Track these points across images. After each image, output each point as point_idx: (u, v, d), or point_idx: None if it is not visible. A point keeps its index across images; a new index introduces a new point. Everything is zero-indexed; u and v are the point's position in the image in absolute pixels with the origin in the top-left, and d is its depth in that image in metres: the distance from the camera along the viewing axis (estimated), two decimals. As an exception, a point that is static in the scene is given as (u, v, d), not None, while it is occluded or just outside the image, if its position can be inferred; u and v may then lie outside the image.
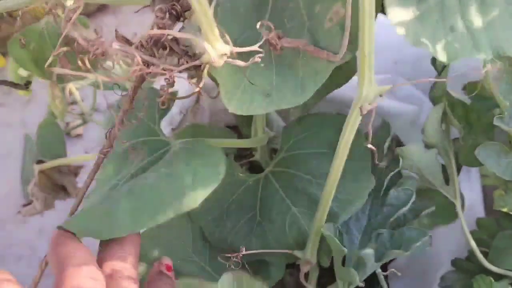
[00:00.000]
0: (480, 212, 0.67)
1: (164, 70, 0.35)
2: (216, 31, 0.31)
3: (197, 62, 0.33)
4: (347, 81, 0.54)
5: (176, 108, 0.75)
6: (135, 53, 0.31)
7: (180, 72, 0.35)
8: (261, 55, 0.33)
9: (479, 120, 0.56)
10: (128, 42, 0.41)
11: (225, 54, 0.32)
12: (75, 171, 0.68)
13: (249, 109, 0.36)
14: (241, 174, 0.51)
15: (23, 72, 0.67)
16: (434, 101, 0.55)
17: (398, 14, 0.36)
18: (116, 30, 0.42)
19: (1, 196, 1.38)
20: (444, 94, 0.52)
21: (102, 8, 1.48)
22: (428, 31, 0.37)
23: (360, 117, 0.39)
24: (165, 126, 0.73)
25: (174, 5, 0.38)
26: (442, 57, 0.37)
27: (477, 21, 0.37)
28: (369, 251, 0.40)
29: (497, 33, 0.37)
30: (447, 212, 0.57)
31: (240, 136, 0.71)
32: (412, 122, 0.73)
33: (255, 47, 0.33)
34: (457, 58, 0.37)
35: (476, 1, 0.39)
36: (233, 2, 0.38)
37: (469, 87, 0.56)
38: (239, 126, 0.73)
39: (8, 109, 1.49)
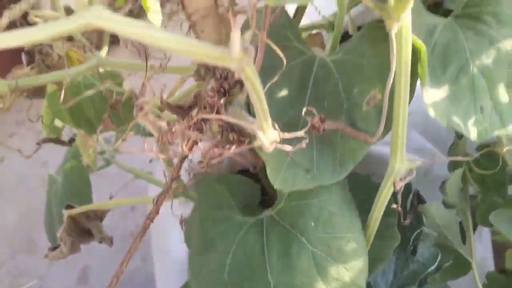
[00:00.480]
0: (490, 266, 0.70)
1: (216, 147, 0.38)
2: (269, 121, 0.34)
3: (249, 146, 0.36)
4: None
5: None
6: (197, 137, 0.34)
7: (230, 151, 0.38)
8: (306, 141, 0.36)
9: (493, 180, 0.59)
10: (170, 106, 0.44)
11: (275, 141, 0.35)
12: (101, 215, 0.71)
13: (293, 185, 0.39)
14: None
15: (57, 123, 0.70)
16: (454, 163, 0.59)
17: (432, 95, 0.39)
18: (161, 96, 0.45)
19: (11, 225, 1.40)
20: (464, 156, 0.55)
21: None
22: (459, 111, 0.40)
23: (392, 189, 0.42)
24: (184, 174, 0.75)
25: (222, 83, 0.42)
26: (472, 137, 0.40)
27: (504, 98, 0.41)
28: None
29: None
30: (459, 269, 0.59)
31: (259, 181, 0.74)
32: (426, 174, 0.76)
33: (301, 133, 0.36)
34: (486, 136, 0.41)
35: (503, 79, 0.42)
36: (276, 85, 0.41)
37: (481, 149, 0.60)
38: (258, 172, 0.76)
39: (21, 138, 1.52)
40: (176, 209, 0.54)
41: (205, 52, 0.27)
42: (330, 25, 0.57)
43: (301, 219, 0.42)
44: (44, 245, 0.76)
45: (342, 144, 0.40)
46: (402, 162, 0.41)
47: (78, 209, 0.67)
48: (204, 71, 0.43)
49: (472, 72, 0.42)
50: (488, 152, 0.56)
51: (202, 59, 0.27)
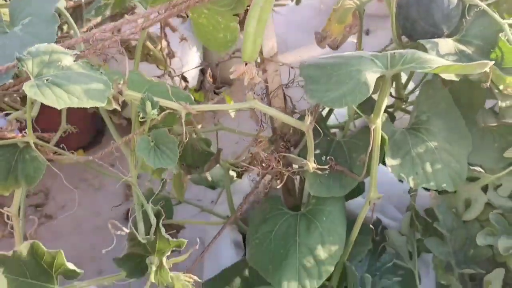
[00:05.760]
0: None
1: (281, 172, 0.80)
2: (313, 158, 0.76)
3: (301, 170, 0.78)
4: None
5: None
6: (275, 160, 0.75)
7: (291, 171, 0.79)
8: (327, 171, 0.78)
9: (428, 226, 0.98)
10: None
11: (314, 167, 0.77)
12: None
13: (319, 193, 0.80)
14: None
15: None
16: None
17: (391, 162, 0.81)
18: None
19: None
20: (412, 207, 0.96)
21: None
22: (405, 172, 0.82)
23: (369, 207, 0.82)
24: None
25: (287, 143, 0.85)
26: (411, 185, 0.81)
27: (428, 168, 0.82)
28: (368, 275, 0.80)
29: (437, 174, 0.82)
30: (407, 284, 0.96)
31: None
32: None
33: (326, 167, 0.78)
34: (419, 186, 0.81)
35: (428, 160, 0.84)
36: (316, 147, 0.83)
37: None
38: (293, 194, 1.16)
39: (82, 192, 1.89)
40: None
41: (293, 121, 0.70)
42: (342, 125, 1.01)
43: (318, 214, 0.82)
44: None
45: (344, 179, 0.82)
46: (376, 192, 0.81)
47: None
48: (276, 138, 0.86)
49: (412, 154, 0.84)
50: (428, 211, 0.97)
51: (288, 124, 0.70)
